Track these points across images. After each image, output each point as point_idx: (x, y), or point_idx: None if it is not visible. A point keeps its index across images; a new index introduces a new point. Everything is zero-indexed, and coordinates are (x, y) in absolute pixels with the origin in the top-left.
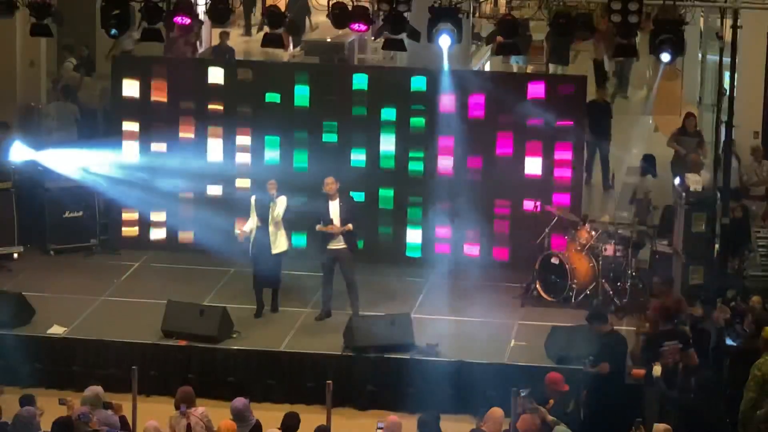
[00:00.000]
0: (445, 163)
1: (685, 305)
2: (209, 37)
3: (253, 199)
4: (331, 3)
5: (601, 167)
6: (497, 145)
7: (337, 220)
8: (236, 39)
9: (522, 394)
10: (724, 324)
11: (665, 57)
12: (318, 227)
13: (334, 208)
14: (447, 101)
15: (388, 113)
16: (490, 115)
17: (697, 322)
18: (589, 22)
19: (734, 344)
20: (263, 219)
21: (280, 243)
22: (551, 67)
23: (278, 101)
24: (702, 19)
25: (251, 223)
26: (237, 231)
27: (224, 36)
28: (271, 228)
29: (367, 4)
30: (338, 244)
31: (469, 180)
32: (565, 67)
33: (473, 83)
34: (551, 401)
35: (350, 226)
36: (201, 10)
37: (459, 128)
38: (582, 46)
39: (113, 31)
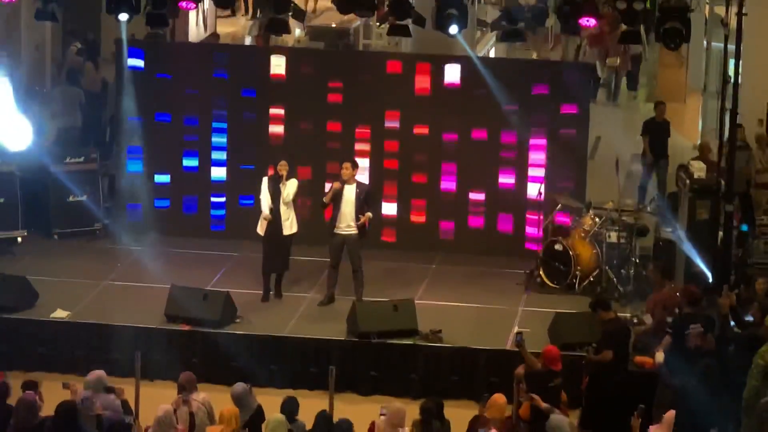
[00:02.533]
0: None
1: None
2: (214, 23)
3: (264, 180)
4: None
5: (657, 186)
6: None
7: (351, 205)
8: (245, 23)
9: (518, 339)
10: (728, 311)
11: (674, 43)
12: (325, 198)
13: (350, 193)
14: None
15: None
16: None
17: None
18: (594, 8)
19: (738, 332)
20: (275, 200)
21: (291, 224)
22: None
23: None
24: (707, 6)
25: (265, 205)
26: (263, 218)
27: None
28: (282, 208)
29: None
30: (348, 230)
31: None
32: (576, 37)
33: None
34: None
35: (370, 214)
36: None
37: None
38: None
39: (121, 16)
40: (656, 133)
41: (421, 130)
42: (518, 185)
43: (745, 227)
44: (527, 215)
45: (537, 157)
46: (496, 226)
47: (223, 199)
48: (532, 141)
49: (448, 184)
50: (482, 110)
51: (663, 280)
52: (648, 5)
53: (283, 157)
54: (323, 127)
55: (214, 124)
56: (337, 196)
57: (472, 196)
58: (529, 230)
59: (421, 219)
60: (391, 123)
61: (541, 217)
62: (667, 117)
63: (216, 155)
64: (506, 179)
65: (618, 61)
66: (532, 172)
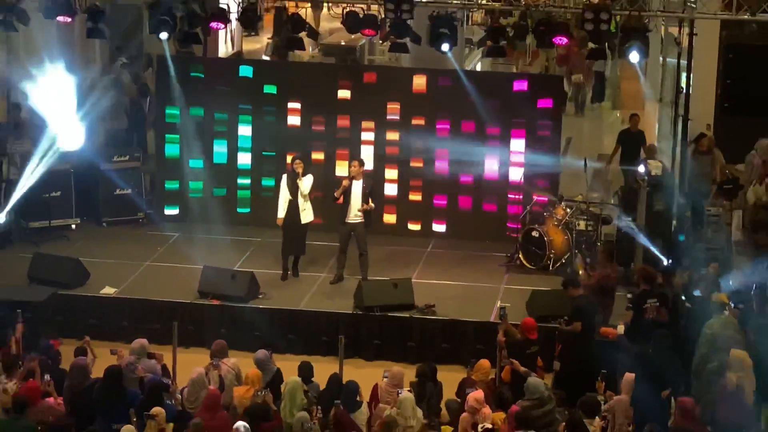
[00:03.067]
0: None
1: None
2: (240, 41)
3: (284, 177)
4: (345, 12)
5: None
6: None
7: (359, 198)
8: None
9: (502, 313)
10: (681, 289)
11: (634, 58)
12: (336, 193)
13: (357, 188)
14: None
15: None
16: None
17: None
18: (566, 29)
19: (689, 306)
20: (293, 194)
21: (307, 214)
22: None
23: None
24: (663, 28)
25: (283, 200)
26: (278, 221)
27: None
28: (300, 201)
29: (375, 13)
30: (356, 219)
31: None
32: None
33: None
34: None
35: (372, 204)
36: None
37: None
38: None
39: (162, 34)
40: (630, 142)
41: (418, 121)
42: (501, 170)
43: (682, 237)
44: (509, 196)
45: (517, 145)
46: (482, 206)
47: (248, 182)
48: (513, 132)
49: (441, 166)
50: (471, 105)
51: (607, 261)
52: (612, 28)
53: (300, 148)
54: (334, 118)
55: (240, 117)
56: (347, 191)
57: (462, 178)
58: (510, 209)
59: (418, 197)
60: (393, 116)
61: (521, 197)
62: (641, 127)
63: (242, 143)
64: (491, 165)
65: (582, 78)
66: (513, 158)
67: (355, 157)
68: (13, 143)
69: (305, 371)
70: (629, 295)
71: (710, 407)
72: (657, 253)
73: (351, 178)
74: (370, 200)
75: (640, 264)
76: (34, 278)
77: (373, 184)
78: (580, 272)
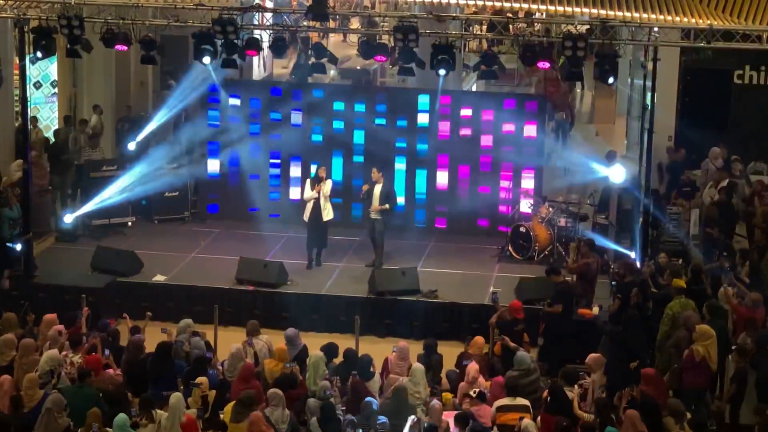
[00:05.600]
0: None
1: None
2: (271, 65)
3: (308, 181)
4: (360, 41)
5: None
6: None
7: (377, 199)
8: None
9: (494, 297)
10: (648, 276)
11: (609, 80)
12: (360, 195)
13: (377, 190)
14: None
15: None
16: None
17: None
18: (549, 53)
19: (655, 291)
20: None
21: (328, 213)
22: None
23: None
24: (631, 53)
25: (308, 197)
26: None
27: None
28: (322, 201)
29: (386, 42)
30: (376, 216)
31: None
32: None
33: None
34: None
35: (387, 206)
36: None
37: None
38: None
39: (205, 59)
40: None
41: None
42: (493, 177)
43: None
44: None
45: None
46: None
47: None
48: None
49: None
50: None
51: (590, 252)
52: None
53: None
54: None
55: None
56: (369, 193)
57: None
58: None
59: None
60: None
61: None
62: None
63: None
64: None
65: (563, 115)
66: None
67: (374, 164)
68: (90, 152)
69: (330, 351)
70: (613, 283)
71: (676, 376)
72: (621, 248)
73: (372, 182)
74: (386, 203)
75: (617, 256)
76: (96, 268)
77: (390, 186)
78: (571, 255)
